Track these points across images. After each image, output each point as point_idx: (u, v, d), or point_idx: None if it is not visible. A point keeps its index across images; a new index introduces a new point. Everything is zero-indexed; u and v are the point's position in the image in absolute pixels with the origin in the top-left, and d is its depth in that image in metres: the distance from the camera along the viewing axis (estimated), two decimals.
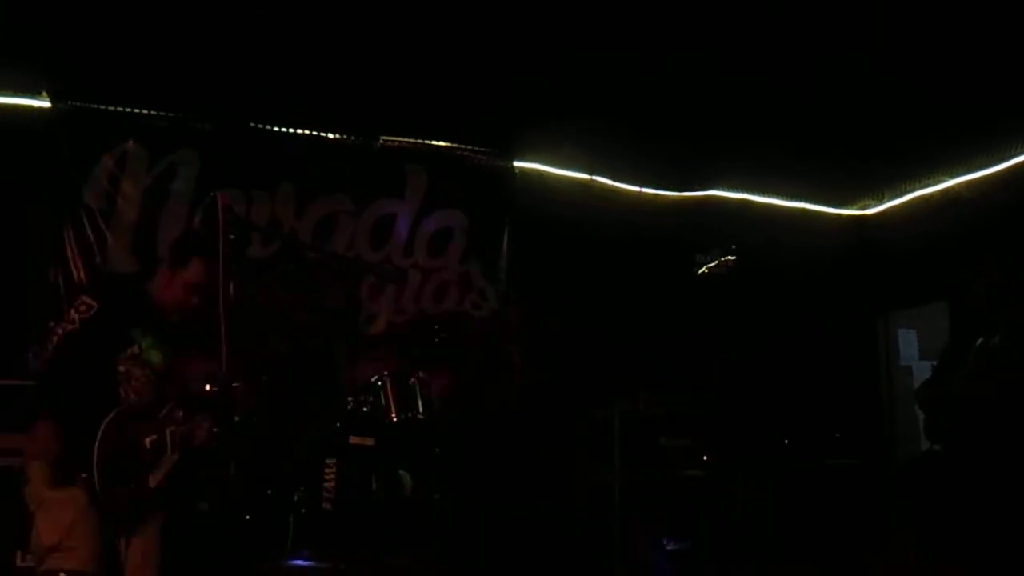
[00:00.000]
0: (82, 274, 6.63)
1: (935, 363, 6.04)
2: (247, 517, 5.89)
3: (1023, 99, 6.64)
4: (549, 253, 7.88)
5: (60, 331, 3.92)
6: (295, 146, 7.47)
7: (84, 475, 3.78)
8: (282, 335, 6.58)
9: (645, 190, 8.60)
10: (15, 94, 6.71)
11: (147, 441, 4.01)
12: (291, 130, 7.45)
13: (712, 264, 7.13)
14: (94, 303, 4.00)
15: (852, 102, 7.10)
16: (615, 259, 7.96)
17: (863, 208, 9.25)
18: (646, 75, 6.85)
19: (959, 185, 8.13)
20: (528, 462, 7.16)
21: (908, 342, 9.01)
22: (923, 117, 7.08)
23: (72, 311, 3.96)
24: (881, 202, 9.06)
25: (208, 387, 4.32)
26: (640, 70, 6.79)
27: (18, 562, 5.26)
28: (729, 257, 7.04)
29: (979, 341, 5.21)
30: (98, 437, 3.80)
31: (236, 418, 5.97)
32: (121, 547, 4.05)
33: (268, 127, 7.40)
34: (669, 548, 6.31)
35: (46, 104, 6.75)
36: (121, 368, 4.05)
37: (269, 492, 6.04)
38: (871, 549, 6.36)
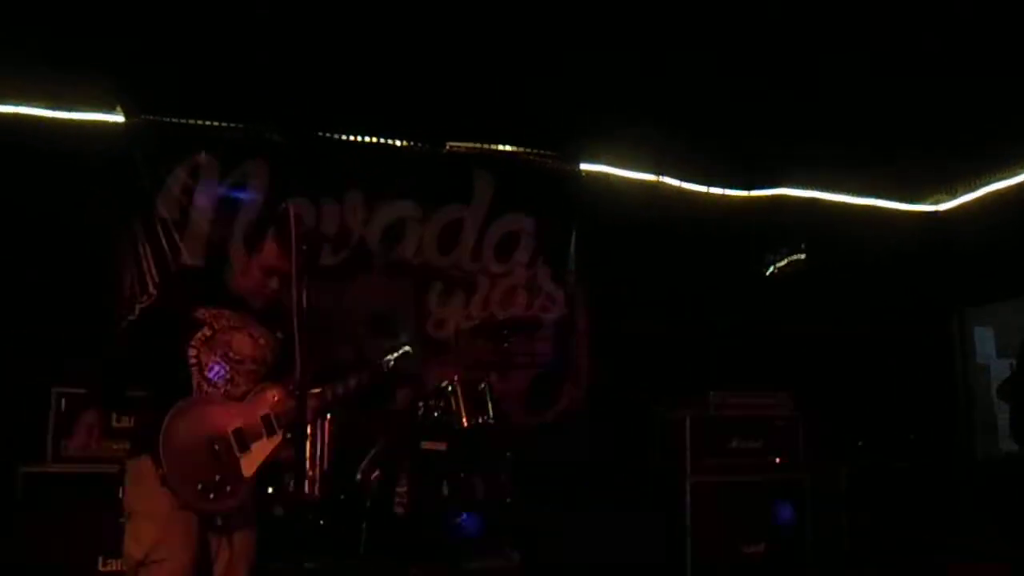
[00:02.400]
0: (157, 284, 6.74)
1: (1013, 361, 5.92)
2: (320, 522, 5.97)
3: None
4: (617, 255, 7.85)
5: (123, 324, 3.86)
6: (362, 154, 7.53)
7: (161, 472, 3.65)
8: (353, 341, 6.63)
9: (713, 190, 8.53)
10: (90, 110, 6.85)
11: (230, 430, 3.85)
12: (358, 138, 7.51)
13: (782, 263, 7.08)
14: (155, 291, 3.95)
15: (922, 96, 6.98)
16: (683, 260, 7.92)
17: (936, 203, 9.10)
18: (711, 74, 6.80)
19: None
20: (599, 465, 7.18)
21: (984, 340, 8.84)
22: (996, 109, 6.95)
23: (136, 305, 3.89)
24: (954, 197, 8.91)
25: None
26: (705, 69, 6.74)
27: (100, 567, 5.30)
28: (799, 256, 6.98)
29: None
30: (161, 434, 3.68)
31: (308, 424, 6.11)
32: (213, 545, 3.85)
33: (336, 136, 7.46)
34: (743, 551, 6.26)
35: (120, 119, 6.89)
36: (192, 355, 3.89)
37: (342, 497, 6.10)
38: (948, 551, 6.26)
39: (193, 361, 3.90)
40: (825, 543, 6.49)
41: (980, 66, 6.51)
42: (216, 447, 3.80)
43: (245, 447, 3.88)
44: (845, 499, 6.65)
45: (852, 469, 6.73)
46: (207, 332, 3.94)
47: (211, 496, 3.76)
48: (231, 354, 3.99)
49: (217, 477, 3.78)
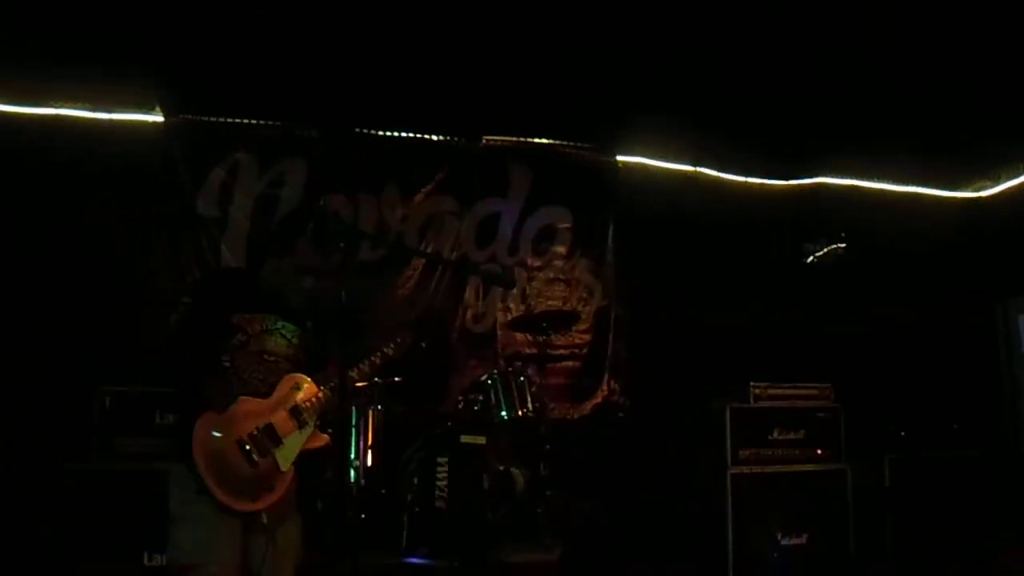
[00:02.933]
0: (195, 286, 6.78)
1: None
2: (362, 516, 6.02)
3: None
4: (655, 247, 7.83)
5: (165, 335, 3.88)
6: (399, 149, 7.56)
7: (198, 479, 3.66)
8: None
9: (751, 179, 8.47)
10: (130, 110, 6.94)
11: (260, 427, 3.82)
12: (395, 133, 7.54)
13: (821, 253, 7.01)
14: (188, 300, 3.95)
15: (961, 82, 6.90)
16: (723, 251, 7.88)
17: (978, 190, 8.98)
18: (747, 64, 6.77)
19: None
20: (638, 457, 7.18)
21: None
22: None
23: (174, 311, 3.90)
24: (997, 183, 8.79)
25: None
26: (742, 57, 6.71)
27: (146, 562, 5.34)
28: (839, 245, 6.91)
29: None
30: (193, 442, 3.69)
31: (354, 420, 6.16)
32: (258, 543, 3.83)
33: (372, 131, 7.50)
34: (784, 543, 6.22)
35: (160, 118, 6.97)
36: (226, 361, 3.88)
37: (383, 491, 6.14)
38: (992, 544, 6.19)
39: (227, 365, 3.90)
40: (868, 534, 6.44)
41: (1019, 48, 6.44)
42: (248, 447, 3.79)
43: (278, 442, 3.87)
44: (888, 490, 6.59)
45: (894, 460, 6.66)
46: (241, 338, 3.94)
47: (251, 496, 3.78)
48: (266, 356, 3.99)
49: (254, 476, 3.79)
